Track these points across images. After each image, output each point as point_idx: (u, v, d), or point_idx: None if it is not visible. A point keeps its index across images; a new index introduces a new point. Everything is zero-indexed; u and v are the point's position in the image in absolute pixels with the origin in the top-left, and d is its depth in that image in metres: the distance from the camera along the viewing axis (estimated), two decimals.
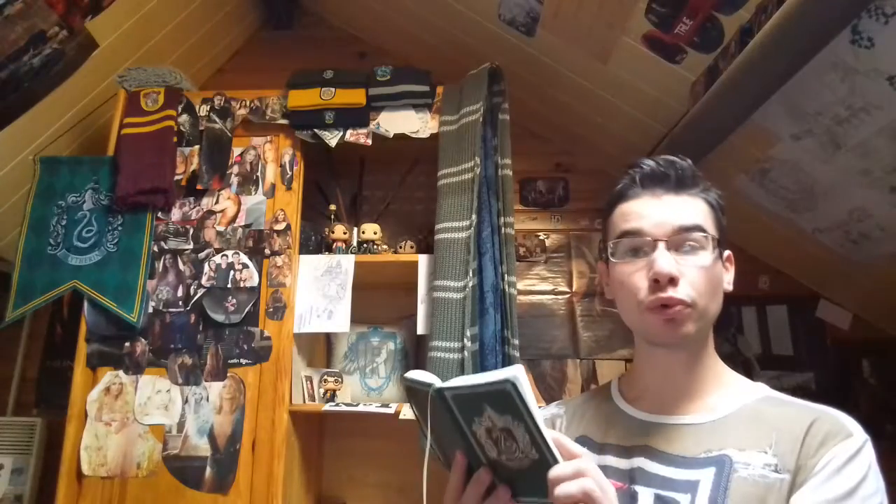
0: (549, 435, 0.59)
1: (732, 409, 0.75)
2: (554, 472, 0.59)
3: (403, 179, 1.98)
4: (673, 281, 0.73)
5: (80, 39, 1.63)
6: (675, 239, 0.75)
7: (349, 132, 1.66)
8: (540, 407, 0.66)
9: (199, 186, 1.61)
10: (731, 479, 0.68)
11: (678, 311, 0.73)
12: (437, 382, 0.63)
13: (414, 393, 0.71)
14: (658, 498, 0.71)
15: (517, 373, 0.57)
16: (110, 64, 1.78)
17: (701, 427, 0.74)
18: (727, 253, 0.80)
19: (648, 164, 0.80)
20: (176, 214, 1.62)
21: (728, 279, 0.80)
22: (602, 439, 0.81)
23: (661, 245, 0.74)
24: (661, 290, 0.73)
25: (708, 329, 0.78)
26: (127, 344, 1.52)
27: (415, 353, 1.80)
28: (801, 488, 0.65)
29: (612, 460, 0.78)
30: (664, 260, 0.73)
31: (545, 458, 0.59)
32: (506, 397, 0.57)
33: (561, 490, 0.58)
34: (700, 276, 0.74)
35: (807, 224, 1.76)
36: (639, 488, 0.73)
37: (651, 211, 0.77)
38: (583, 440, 0.83)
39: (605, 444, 0.80)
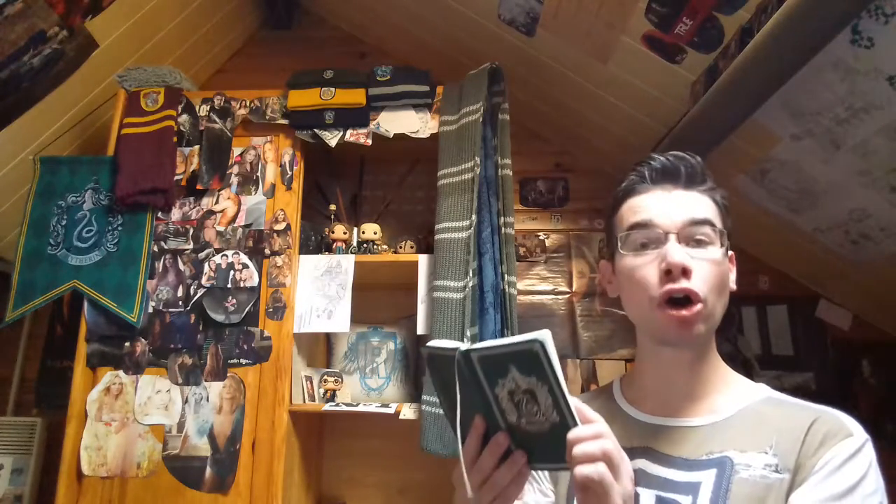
0: (572, 400, 0.60)
1: (734, 410, 0.75)
2: (574, 433, 0.59)
3: (403, 179, 1.98)
4: (686, 273, 0.72)
5: (80, 39, 1.63)
6: (685, 232, 0.74)
7: (349, 132, 1.66)
8: None
9: (199, 186, 1.61)
10: (732, 480, 0.68)
11: (693, 313, 0.72)
12: (463, 346, 0.64)
13: (435, 361, 0.70)
14: (660, 499, 0.71)
15: (545, 335, 0.58)
16: (110, 64, 1.78)
17: (702, 429, 0.74)
18: (731, 253, 0.81)
19: (659, 159, 0.80)
20: (176, 214, 1.62)
21: (732, 279, 0.80)
22: None
23: (673, 237, 0.74)
24: (674, 281, 0.72)
25: (714, 329, 0.78)
26: (127, 344, 1.52)
27: (415, 353, 1.80)
28: (801, 486, 0.65)
29: None
30: (677, 251, 0.73)
31: (565, 422, 0.60)
32: (533, 358, 0.58)
33: (580, 449, 0.58)
34: (710, 270, 0.73)
35: (807, 224, 1.76)
36: (640, 490, 0.73)
37: (662, 204, 0.77)
38: None
39: None
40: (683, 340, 0.74)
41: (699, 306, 0.72)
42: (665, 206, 0.77)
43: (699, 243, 0.74)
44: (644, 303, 0.76)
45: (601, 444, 0.58)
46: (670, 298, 0.73)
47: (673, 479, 0.72)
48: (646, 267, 0.75)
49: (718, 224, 0.77)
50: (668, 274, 0.73)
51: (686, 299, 0.72)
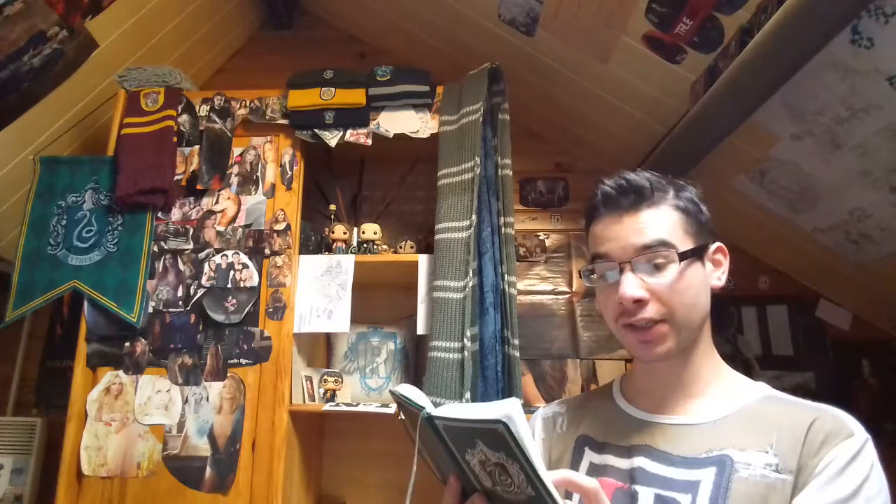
0: (549, 477, 0.56)
1: (733, 408, 0.75)
2: None
3: (403, 179, 1.98)
4: (640, 302, 0.74)
5: (80, 39, 1.63)
6: (638, 259, 0.75)
7: (349, 132, 1.66)
8: (538, 407, 0.65)
9: (199, 186, 1.61)
10: (731, 479, 0.68)
11: (653, 333, 0.75)
12: (428, 407, 0.62)
13: (404, 407, 0.70)
14: (658, 498, 0.71)
15: (511, 411, 0.54)
16: (110, 64, 1.78)
17: (701, 427, 0.74)
18: (716, 246, 0.80)
19: (606, 184, 0.81)
20: (176, 214, 1.62)
21: (718, 274, 0.79)
22: (602, 438, 0.81)
23: (626, 267, 0.76)
24: (629, 313, 0.75)
25: (695, 334, 0.78)
26: (127, 344, 1.52)
27: (415, 353, 1.80)
28: (804, 490, 0.65)
29: (612, 459, 0.78)
30: (627, 284, 0.75)
31: (542, 498, 0.56)
32: (498, 437, 0.55)
33: None
34: (669, 292, 0.74)
35: (807, 224, 1.76)
36: (639, 488, 0.73)
37: (613, 233, 0.78)
38: (584, 439, 0.83)
39: (605, 444, 0.80)
40: (652, 359, 0.77)
41: (660, 327, 0.75)
42: (616, 235, 0.78)
43: (656, 267, 0.75)
44: (612, 326, 0.80)
45: None
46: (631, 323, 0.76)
47: (672, 477, 0.72)
48: (610, 298, 0.78)
49: (677, 237, 0.76)
50: (622, 305, 0.76)
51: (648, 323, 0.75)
